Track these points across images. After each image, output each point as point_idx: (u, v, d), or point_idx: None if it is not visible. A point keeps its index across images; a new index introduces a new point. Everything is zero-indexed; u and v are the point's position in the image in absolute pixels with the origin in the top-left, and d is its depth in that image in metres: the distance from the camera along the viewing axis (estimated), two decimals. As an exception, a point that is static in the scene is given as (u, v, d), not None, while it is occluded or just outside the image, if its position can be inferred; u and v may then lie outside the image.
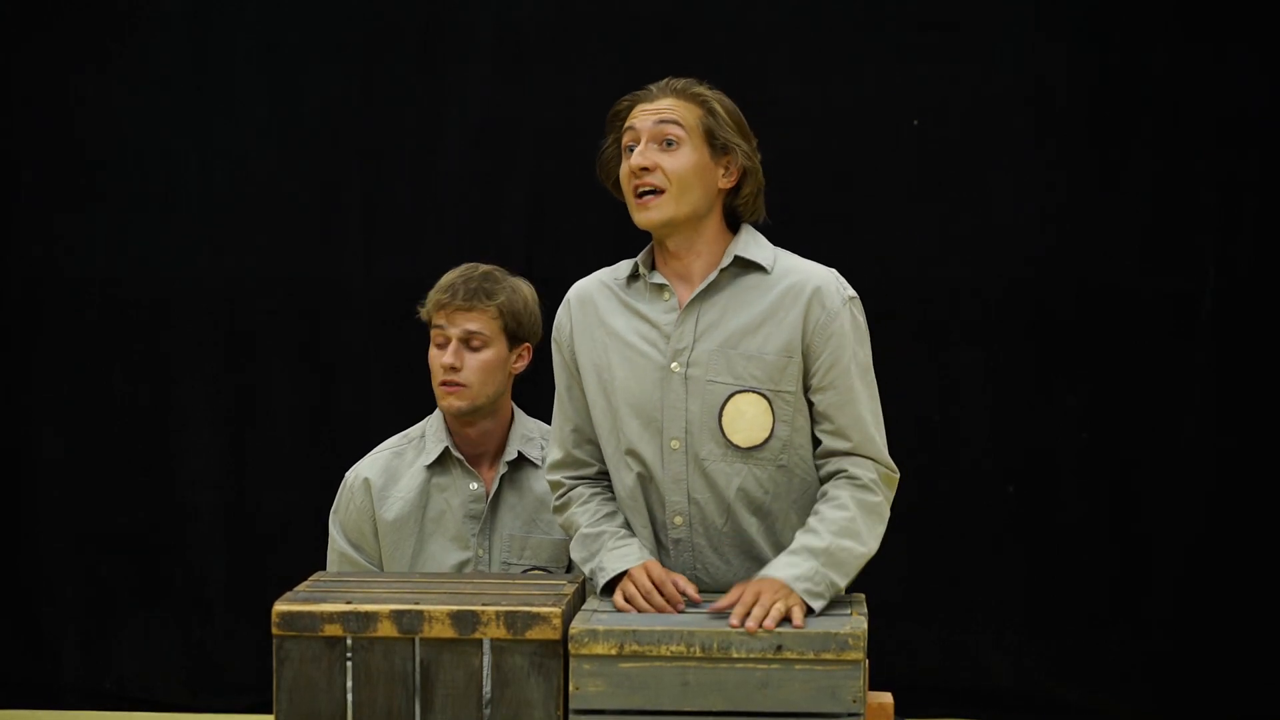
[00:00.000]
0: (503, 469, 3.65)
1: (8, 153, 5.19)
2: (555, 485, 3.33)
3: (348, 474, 3.74)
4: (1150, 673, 5.03)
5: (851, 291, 3.20)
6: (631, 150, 3.19)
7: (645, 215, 3.18)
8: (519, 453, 3.66)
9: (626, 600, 3.05)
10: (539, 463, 3.64)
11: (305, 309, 5.16)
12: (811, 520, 3.12)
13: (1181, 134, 4.93)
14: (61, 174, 5.18)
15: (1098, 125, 4.96)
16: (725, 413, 3.14)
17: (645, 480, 3.19)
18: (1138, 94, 4.94)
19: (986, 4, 4.96)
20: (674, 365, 3.16)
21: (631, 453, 3.18)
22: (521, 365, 3.67)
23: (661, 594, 3.05)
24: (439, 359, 3.65)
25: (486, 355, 3.62)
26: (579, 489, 3.30)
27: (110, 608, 5.25)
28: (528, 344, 3.68)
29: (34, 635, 5.27)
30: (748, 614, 2.92)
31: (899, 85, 4.98)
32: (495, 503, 3.65)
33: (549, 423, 3.46)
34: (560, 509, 3.32)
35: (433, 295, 3.68)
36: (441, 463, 3.67)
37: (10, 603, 5.28)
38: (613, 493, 3.29)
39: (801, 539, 3.08)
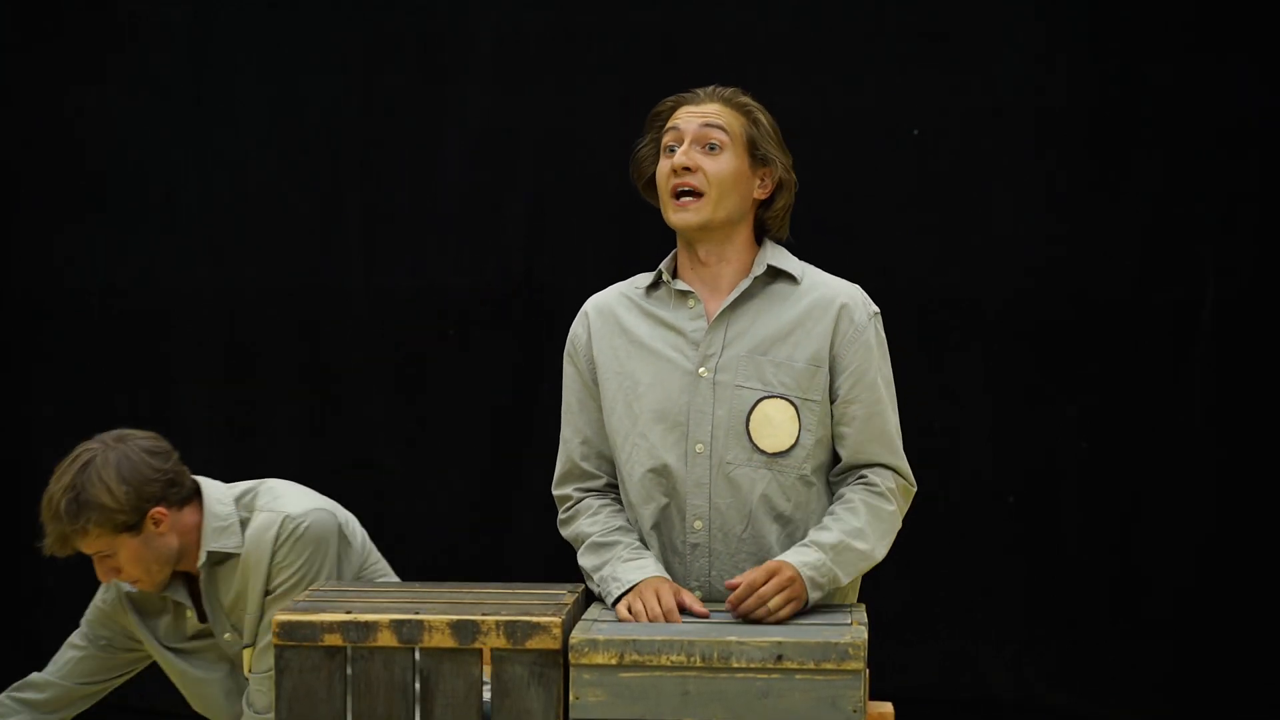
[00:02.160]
0: (202, 573, 3.64)
1: (8, 163, 5.19)
2: (562, 499, 3.32)
3: None
4: (1151, 682, 5.02)
5: (875, 308, 3.25)
6: (672, 150, 3.21)
7: (681, 216, 3.19)
8: (208, 553, 3.62)
9: (630, 612, 3.06)
10: (237, 550, 3.61)
11: (305, 318, 5.16)
12: (825, 519, 3.16)
13: (1182, 143, 4.93)
14: (62, 184, 5.18)
15: (1098, 134, 4.96)
16: (753, 418, 3.16)
17: (666, 485, 3.19)
18: (1138, 103, 4.95)
19: (987, 13, 4.97)
20: (702, 370, 3.18)
21: (653, 457, 3.18)
22: (165, 527, 3.58)
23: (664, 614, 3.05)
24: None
25: (121, 558, 3.58)
26: (587, 500, 3.29)
27: (110, 617, 5.24)
28: (157, 508, 3.56)
29: (34, 646, 5.26)
30: (752, 596, 2.99)
31: (899, 95, 4.99)
32: (211, 594, 3.66)
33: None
34: (567, 522, 3.30)
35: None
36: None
37: (10, 613, 5.28)
38: (620, 505, 3.29)
39: (813, 534, 3.13)
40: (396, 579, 3.79)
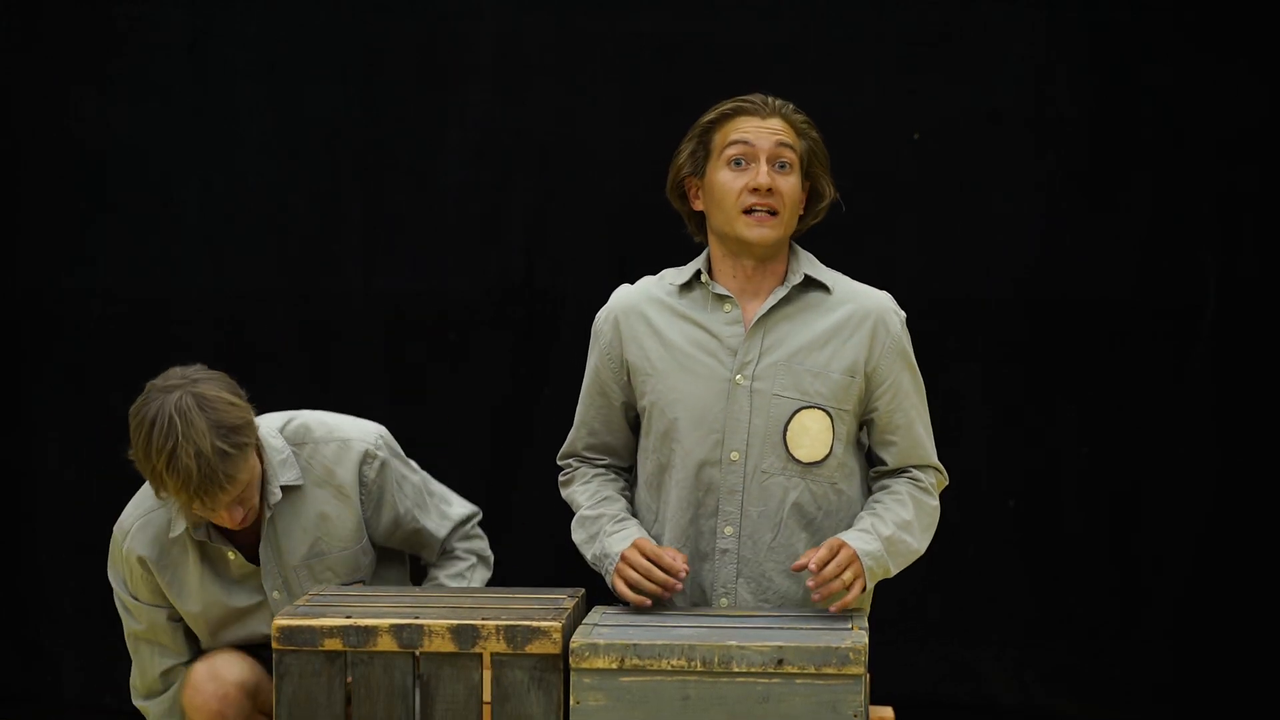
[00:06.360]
0: (267, 513, 3.44)
1: (8, 164, 5.19)
2: (563, 466, 3.40)
3: (115, 533, 3.57)
4: (1152, 688, 5.02)
5: (903, 312, 3.30)
6: (738, 163, 3.19)
7: (760, 232, 3.18)
8: (281, 489, 3.43)
9: (629, 586, 3.09)
10: (299, 482, 3.46)
11: (306, 320, 5.16)
12: (876, 505, 3.21)
13: (1182, 148, 4.93)
14: (62, 186, 5.18)
15: (1098, 138, 4.96)
16: (790, 428, 3.19)
17: (699, 491, 3.21)
18: (1138, 106, 4.94)
19: (987, 17, 4.96)
20: (739, 378, 3.19)
21: (686, 463, 3.20)
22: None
23: (660, 567, 3.09)
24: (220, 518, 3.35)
25: (251, 487, 3.35)
26: (583, 469, 3.35)
27: (111, 622, 5.23)
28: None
29: (34, 650, 5.27)
30: (824, 566, 3.05)
31: (899, 98, 4.99)
32: (271, 539, 3.46)
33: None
34: (565, 484, 3.38)
35: (178, 496, 3.26)
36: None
37: (10, 617, 5.28)
38: (616, 474, 3.34)
39: (869, 520, 3.17)
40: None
